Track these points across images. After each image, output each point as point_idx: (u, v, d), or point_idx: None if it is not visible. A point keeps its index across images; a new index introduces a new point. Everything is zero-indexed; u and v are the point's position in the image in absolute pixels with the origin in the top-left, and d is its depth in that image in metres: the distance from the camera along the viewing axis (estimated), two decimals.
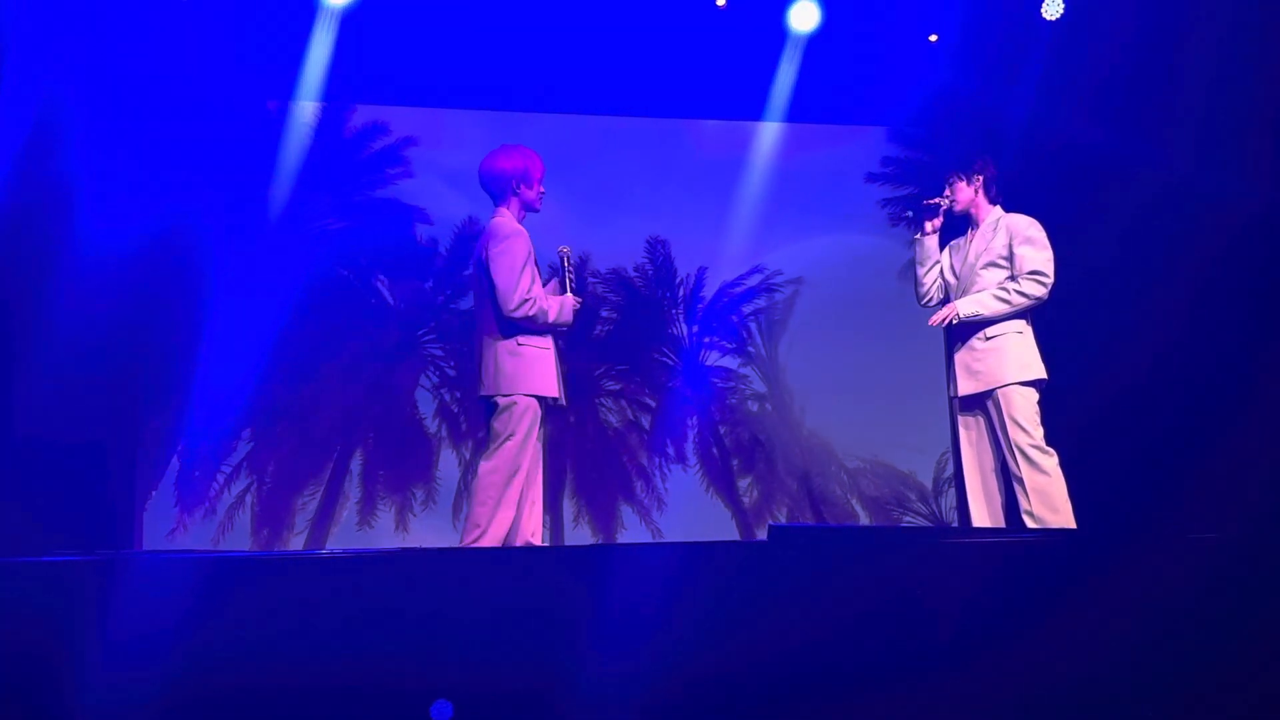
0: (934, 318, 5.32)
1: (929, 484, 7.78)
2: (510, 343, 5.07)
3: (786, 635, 3.53)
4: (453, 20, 7.09)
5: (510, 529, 5.01)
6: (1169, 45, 6.34)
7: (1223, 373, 6.16)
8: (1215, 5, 6.15)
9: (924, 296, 5.48)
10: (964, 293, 5.31)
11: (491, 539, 4.95)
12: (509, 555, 4.60)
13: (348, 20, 6.91)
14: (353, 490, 7.33)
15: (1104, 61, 6.69)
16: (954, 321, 5.24)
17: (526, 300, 5.01)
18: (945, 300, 5.45)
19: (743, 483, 7.76)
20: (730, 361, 7.88)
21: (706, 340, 7.86)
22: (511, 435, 5.01)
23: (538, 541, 5.12)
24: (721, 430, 7.78)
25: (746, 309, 7.90)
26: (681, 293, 7.97)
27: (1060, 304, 5.34)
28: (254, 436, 7.26)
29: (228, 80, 7.11)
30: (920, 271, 5.45)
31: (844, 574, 3.66)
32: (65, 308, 6.04)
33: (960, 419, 5.32)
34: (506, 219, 5.19)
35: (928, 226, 5.40)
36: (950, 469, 7.74)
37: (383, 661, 3.47)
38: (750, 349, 7.86)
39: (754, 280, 7.91)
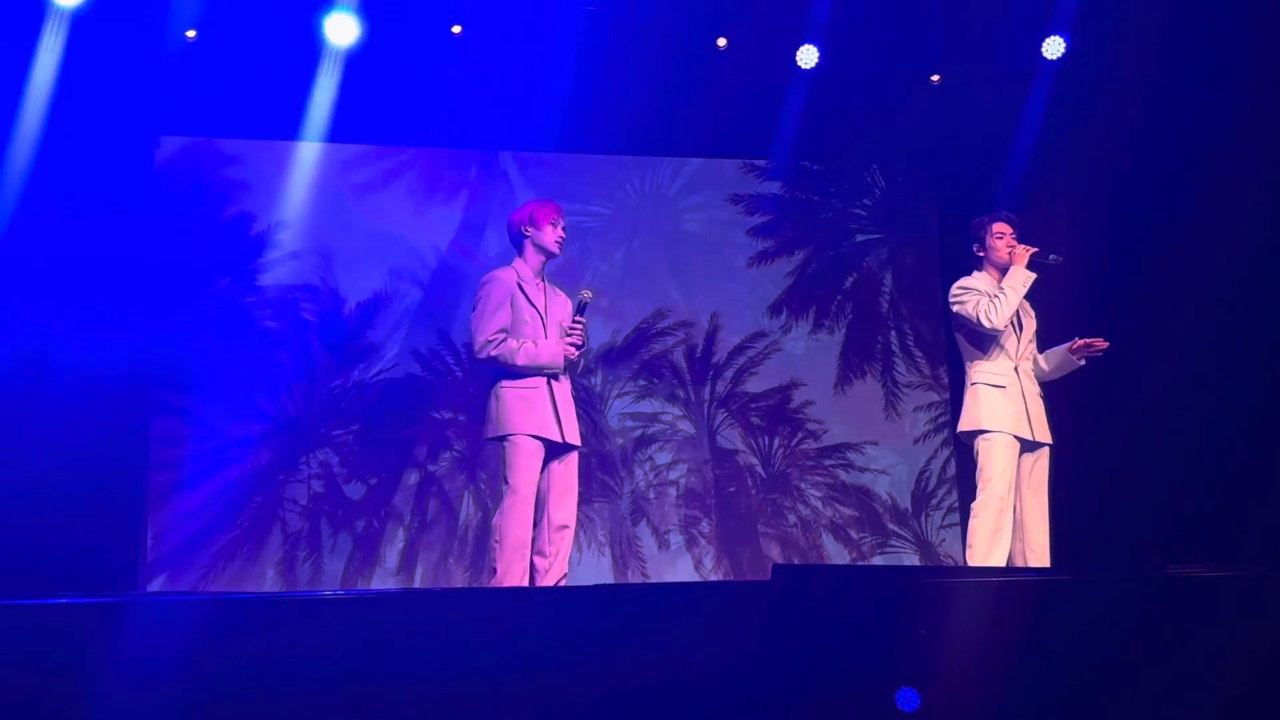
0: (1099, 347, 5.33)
1: (908, 505, 7.72)
2: (496, 386, 5.15)
3: (791, 676, 3.54)
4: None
5: (524, 573, 5.03)
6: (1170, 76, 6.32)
7: (1224, 403, 6.16)
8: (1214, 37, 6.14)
9: (1003, 324, 5.29)
10: (1024, 338, 5.39)
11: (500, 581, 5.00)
12: (510, 595, 4.60)
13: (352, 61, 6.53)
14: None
15: (1105, 99, 6.66)
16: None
17: (489, 341, 5.09)
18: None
19: (691, 529, 7.27)
20: (648, 406, 7.35)
21: (618, 386, 7.35)
22: (505, 479, 5.07)
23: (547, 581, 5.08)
24: (665, 473, 7.34)
25: (656, 349, 7.38)
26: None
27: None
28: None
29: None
30: (1016, 305, 5.27)
31: (850, 613, 3.63)
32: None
33: (1016, 462, 5.27)
34: (499, 269, 5.31)
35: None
36: (930, 486, 7.71)
37: (383, 702, 3.47)
38: (679, 392, 7.66)
39: (658, 323, 7.41)
